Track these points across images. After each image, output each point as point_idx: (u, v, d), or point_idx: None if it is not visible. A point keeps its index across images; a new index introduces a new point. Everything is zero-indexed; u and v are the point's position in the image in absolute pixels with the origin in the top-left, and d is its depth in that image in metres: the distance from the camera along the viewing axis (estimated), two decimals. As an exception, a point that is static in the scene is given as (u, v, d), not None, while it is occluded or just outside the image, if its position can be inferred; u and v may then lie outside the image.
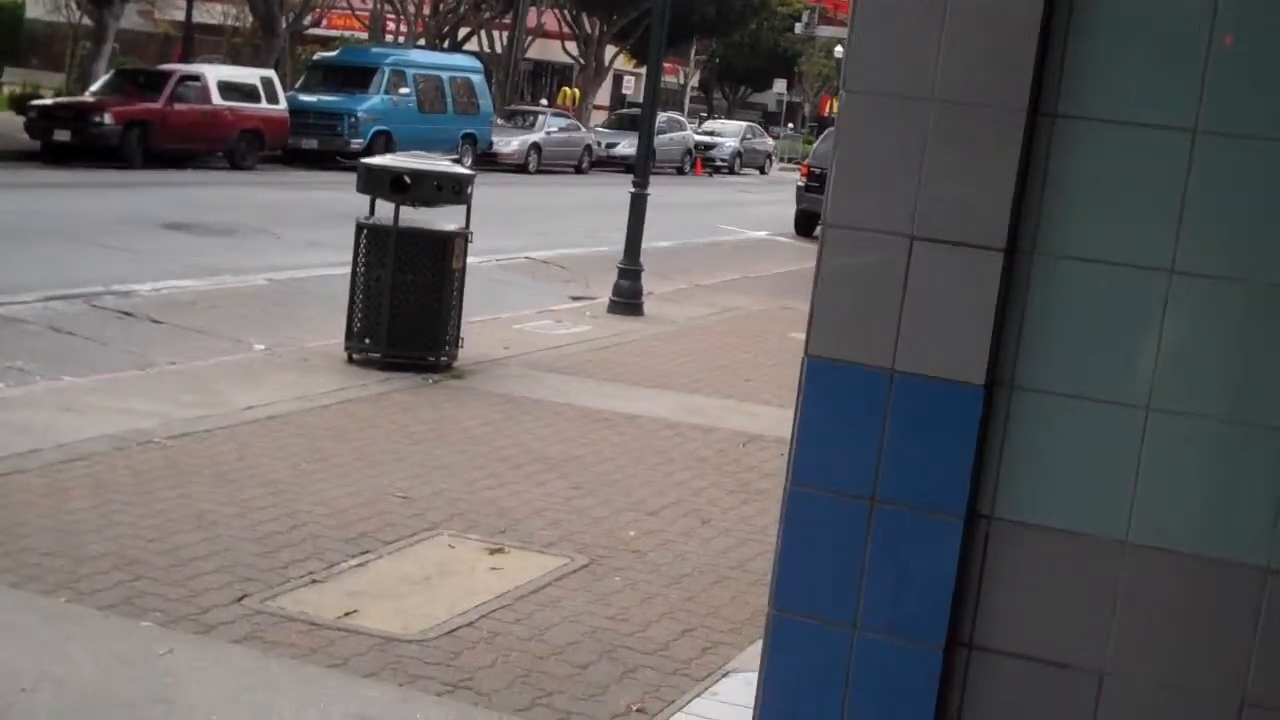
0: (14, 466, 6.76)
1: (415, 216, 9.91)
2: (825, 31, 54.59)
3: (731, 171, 45.82)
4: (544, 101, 52.30)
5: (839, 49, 43.96)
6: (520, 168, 34.94)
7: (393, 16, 48.97)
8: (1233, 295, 2.36)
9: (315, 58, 36.56)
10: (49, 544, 5.75)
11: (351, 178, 10.65)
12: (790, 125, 68.86)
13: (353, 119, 30.33)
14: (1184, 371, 2.40)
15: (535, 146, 36.00)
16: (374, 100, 31.26)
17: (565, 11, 49.60)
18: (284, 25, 37.03)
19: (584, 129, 40.46)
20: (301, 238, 16.99)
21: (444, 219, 10.18)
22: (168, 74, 27.40)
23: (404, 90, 32.21)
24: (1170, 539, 2.41)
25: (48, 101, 27.41)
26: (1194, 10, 2.35)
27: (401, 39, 46.61)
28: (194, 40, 36.86)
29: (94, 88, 27.89)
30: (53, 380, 8.95)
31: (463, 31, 47.22)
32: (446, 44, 44.77)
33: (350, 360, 9.80)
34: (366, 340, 9.76)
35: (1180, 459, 2.40)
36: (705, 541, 6.64)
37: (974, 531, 2.50)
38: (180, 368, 9.53)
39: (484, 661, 5.02)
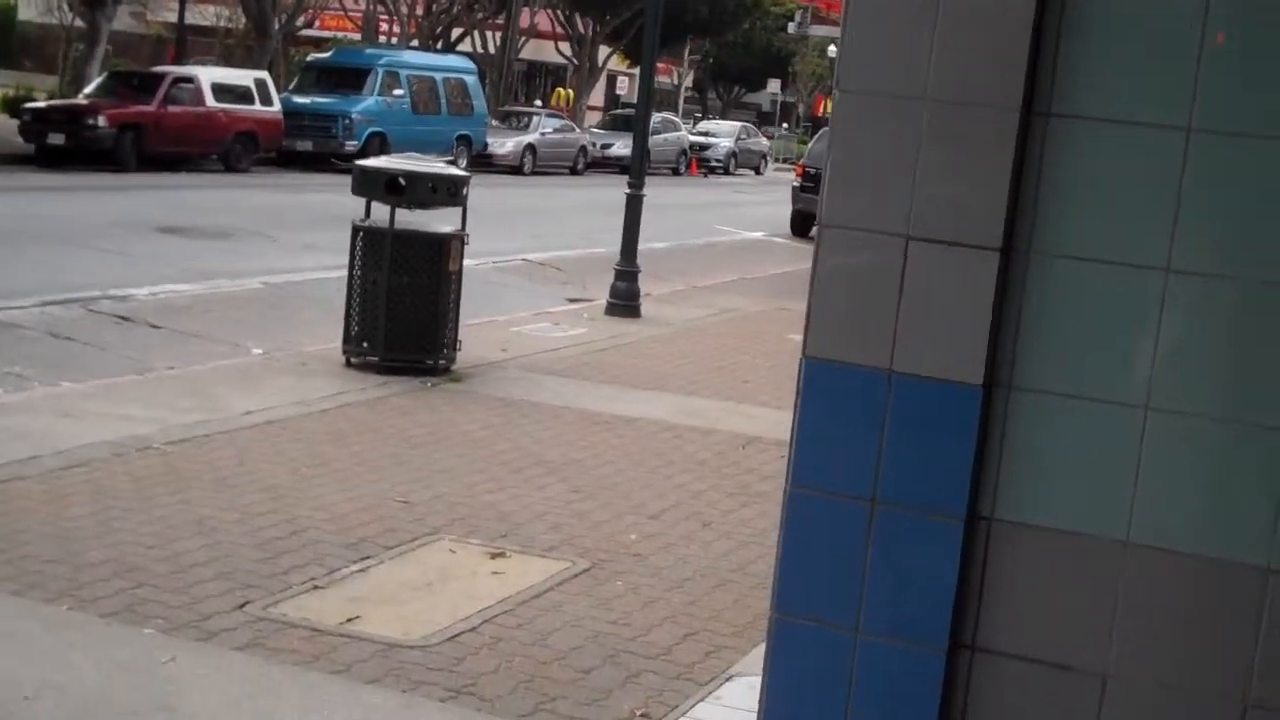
0: (13, 473, 6.75)
1: (411, 219, 9.90)
2: (819, 31, 54.60)
3: (727, 172, 45.82)
4: (538, 102, 52.32)
5: (832, 49, 44.00)
6: (515, 169, 34.93)
7: (386, 17, 48.92)
8: (1229, 293, 2.37)
9: (308, 59, 36.54)
10: (50, 551, 5.75)
11: (346, 180, 10.65)
12: (785, 125, 68.90)
13: (347, 121, 30.32)
14: (1182, 370, 2.40)
15: (530, 148, 35.99)
16: (368, 102, 31.24)
17: (558, 12, 49.58)
18: (277, 26, 36.99)
19: (579, 130, 40.46)
20: (297, 241, 16.99)
21: (440, 221, 10.18)
22: (161, 76, 27.36)
23: (398, 91, 32.21)
24: (1171, 539, 2.41)
25: (41, 104, 27.35)
26: (1186, 8, 2.35)
27: (395, 40, 46.58)
28: (187, 42, 36.84)
29: (87, 90, 27.85)
30: (51, 386, 8.95)
31: (456, 32, 47.18)
32: (440, 45, 44.73)
33: (348, 364, 9.80)
34: (364, 344, 9.76)
35: (1179, 458, 2.41)
36: (706, 544, 6.64)
37: (974, 533, 2.50)
38: (178, 372, 9.52)
39: (486, 667, 5.02)
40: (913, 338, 2.49)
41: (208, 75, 28.20)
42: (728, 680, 5.07)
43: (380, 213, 9.77)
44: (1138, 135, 2.40)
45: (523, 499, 7.09)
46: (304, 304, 12.96)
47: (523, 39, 48.76)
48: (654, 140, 35.67)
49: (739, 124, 51.32)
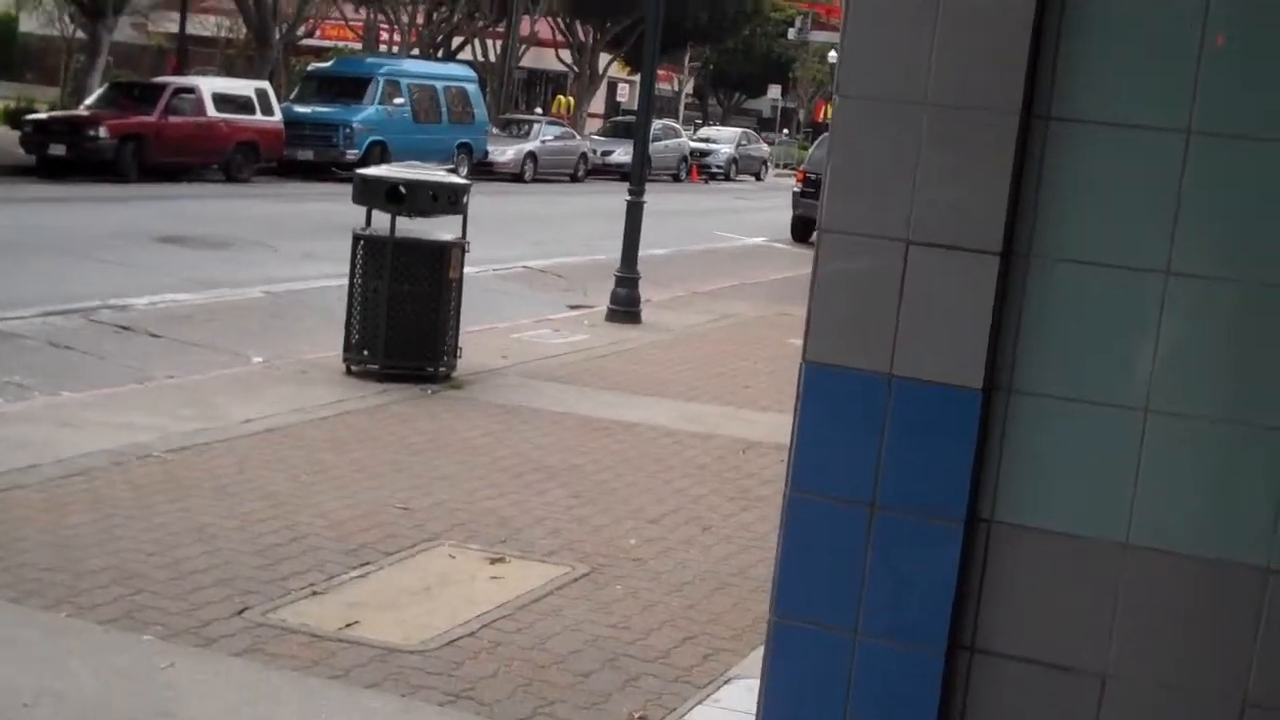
0: (13, 482, 6.76)
1: (411, 227, 9.91)
2: (819, 37, 54.71)
3: (727, 178, 45.84)
4: (539, 110, 52.34)
5: (833, 54, 44.02)
6: (516, 177, 34.96)
7: (386, 27, 48.98)
8: (1229, 296, 2.36)
9: (309, 69, 36.58)
10: (49, 559, 5.75)
11: (347, 189, 10.66)
12: (785, 131, 68.92)
13: (348, 130, 30.35)
14: (1181, 373, 2.40)
15: (531, 155, 36.02)
16: (369, 111, 31.26)
17: (559, 20, 49.63)
18: (278, 36, 37.04)
19: (579, 137, 40.49)
20: (298, 249, 16.99)
21: (440, 229, 10.18)
22: (162, 87, 27.36)
23: (398, 100, 32.24)
24: (1170, 540, 2.41)
25: (42, 116, 27.39)
26: (1186, 10, 2.35)
27: (395, 49, 46.63)
28: (188, 52, 36.86)
29: (88, 101, 27.88)
30: (51, 395, 8.95)
31: (456, 41, 47.27)
32: (440, 53, 44.81)
33: (348, 372, 9.80)
34: (364, 352, 9.76)
35: (1179, 460, 2.40)
36: (706, 549, 6.64)
37: (974, 535, 2.50)
38: (178, 381, 9.53)
39: (486, 671, 5.01)
40: (913, 342, 2.49)
41: (209, 85, 28.22)
42: (726, 683, 5.07)
43: (381, 221, 9.78)
44: (1137, 138, 2.40)
45: (522, 504, 7.09)
46: (305, 312, 12.97)
47: (523, 47, 48.78)
48: (655, 147, 35.75)
49: (739, 130, 51.34)
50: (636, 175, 14.17)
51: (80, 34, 37.17)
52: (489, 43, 47.91)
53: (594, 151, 39.53)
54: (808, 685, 2.58)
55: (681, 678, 5.10)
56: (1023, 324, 2.47)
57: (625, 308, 13.58)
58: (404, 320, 9.61)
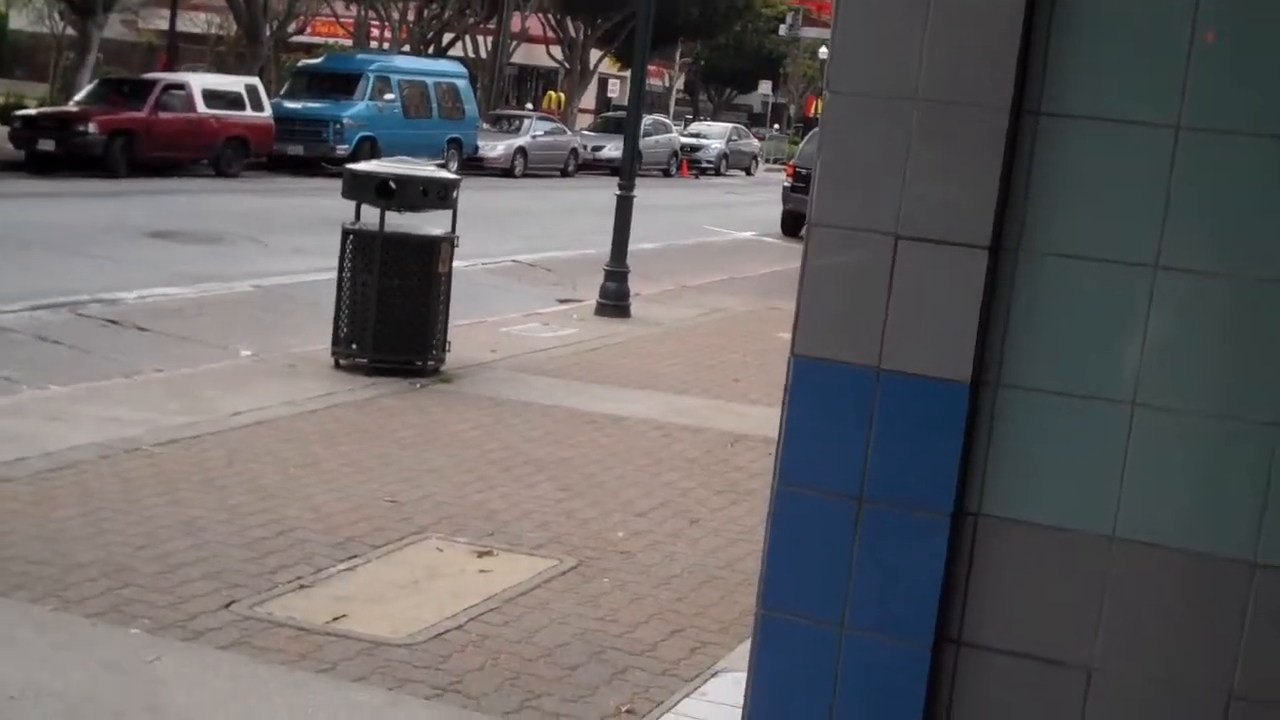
0: (1, 475, 6.74)
1: (401, 222, 9.90)
2: (809, 32, 54.76)
3: (718, 173, 45.83)
4: (529, 106, 52.28)
5: (823, 50, 44.01)
6: (506, 172, 34.93)
7: (377, 23, 48.93)
8: (1217, 290, 2.37)
9: (299, 65, 36.52)
10: (37, 552, 5.74)
11: (337, 184, 10.63)
12: (776, 126, 68.96)
13: (338, 125, 30.30)
14: (1170, 367, 2.40)
15: (521, 150, 35.99)
16: (359, 106, 31.22)
17: (549, 16, 49.60)
18: (268, 33, 36.99)
19: (569, 132, 40.45)
20: (287, 244, 16.97)
21: (430, 224, 10.17)
22: (152, 83, 27.31)
23: (389, 96, 32.20)
24: (1157, 534, 2.41)
25: (32, 112, 27.27)
26: (1176, 6, 2.36)
27: (386, 45, 46.57)
28: (178, 49, 36.79)
29: (78, 97, 27.82)
30: (39, 389, 8.93)
31: (447, 37, 47.21)
32: (431, 50, 44.75)
33: (337, 366, 9.79)
34: (353, 345, 9.75)
35: (1166, 454, 2.41)
36: (694, 542, 6.64)
37: (961, 529, 2.50)
38: (167, 375, 9.51)
39: (473, 664, 5.01)
40: (901, 336, 2.50)
41: (199, 81, 28.16)
42: (714, 676, 5.07)
43: (371, 216, 9.77)
44: (1127, 133, 2.40)
45: (511, 498, 7.09)
46: (294, 306, 12.96)
47: (514, 43, 48.75)
48: (645, 142, 35.63)
49: (730, 125, 51.32)
50: (627, 170, 14.17)
51: (70, 31, 37.07)
52: (480, 39, 47.88)
53: (584, 147, 39.51)
54: (795, 678, 2.59)
55: (669, 671, 5.10)
56: (1011, 318, 2.47)
57: (615, 302, 13.57)
58: (393, 314, 9.60)
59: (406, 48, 43.91)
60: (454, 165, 28.98)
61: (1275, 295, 2.33)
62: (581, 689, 4.88)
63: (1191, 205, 2.38)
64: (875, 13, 2.48)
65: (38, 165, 24.63)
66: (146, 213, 19.16)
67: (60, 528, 6.06)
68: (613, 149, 35.28)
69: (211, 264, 15.12)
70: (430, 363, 9.83)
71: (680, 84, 67.98)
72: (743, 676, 2.69)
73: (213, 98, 27.39)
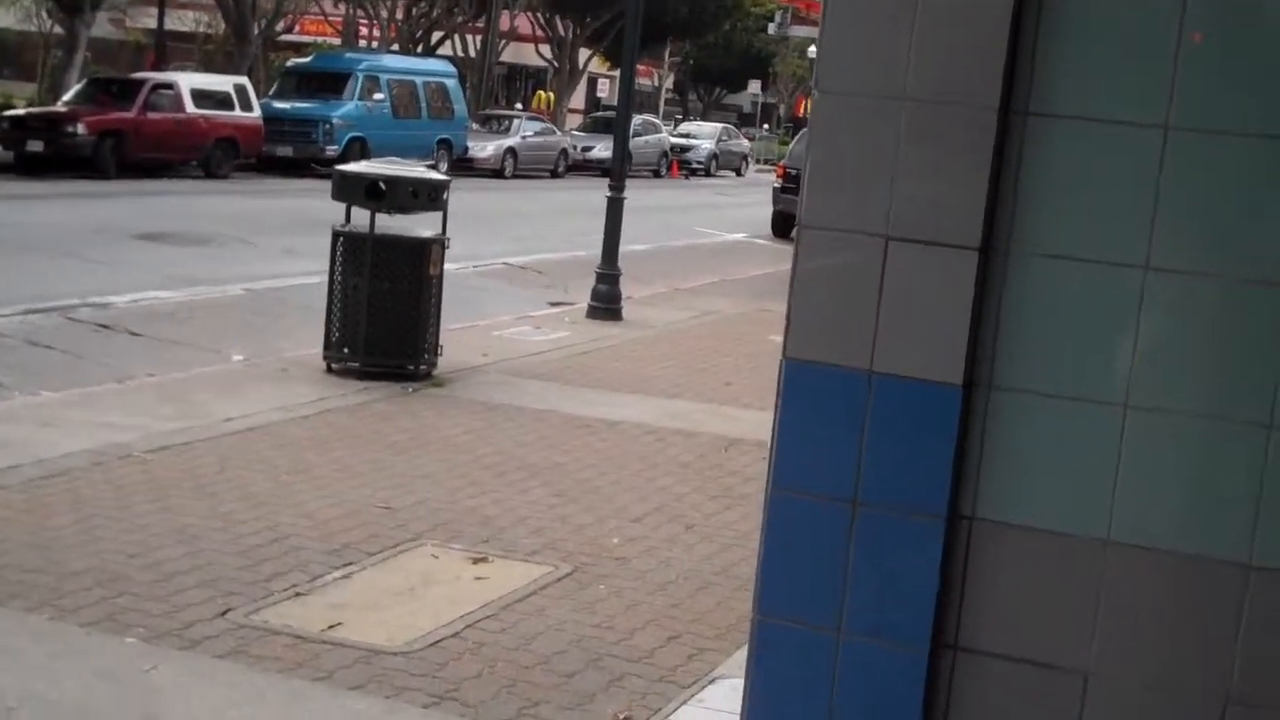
0: (-7, 483, 6.73)
1: (391, 223, 9.89)
2: (799, 31, 54.70)
3: (708, 173, 45.85)
4: (519, 105, 52.28)
5: (812, 49, 43.96)
6: (496, 172, 34.92)
7: (365, 22, 48.88)
8: (1207, 291, 2.37)
9: (288, 64, 36.49)
10: (30, 561, 5.73)
11: (327, 185, 10.63)
12: (766, 126, 68.98)
13: (327, 126, 30.29)
14: (1161, 368, 2.40)
15: (511, 151, 35.98)
16: (348, 106, 31.20)
17: (538, 15, 49.57)
18: (256, 32, 36.94)
19: (559, 133, 40.46)
20: (278, 246, 16.95)
21: (420, 225, 10.16)
22: (141, 82, 27.28)
23: (378, 96, 32.18)
24: (1152, 537, 2.41)
25: (20, 112, 27.25)
26: (1163, 6, 2.35)
27: (374, 44, 46.53)
28: (166, 48, 36.72)
29: (66, 97, 27.78)
30: (31, 395, 8.91)
31: (436, 36, 47.16)
32: (420, 49, 44.71)
33: (329, 370, 9.78)
34: (345, 349, 9.74)
35: (1160, 456, 2.41)
36: (689, 547, 6.63)
37: (956, 533, 2.50)
38: (159, 380, 9.49)
39: (470, 672, 5.00)
40: (893, 338, 2.49)
41: (187, 81, 28.13)
42: (711, 683, 5.06)
43: (361, 217, 9.75)
44: (1116, 134, 2.40)
45: (505, 503, 7.08)
46: (285, 310, 12.94)
47: (503, 42, 48.72)
48: (635, 142, 35.70)
49: (720, 125, 51.35)
50: (617, 171, 14.16)
51: (58, 29, 37.00)
52: (469, 38, 47.84)
53: (574, 147, 39.51)
54: (792, 684, 2.58)
55: (666, 678, 5.09)
56: (1002, 319, 2.47)
57: (606, 304, 13.57)
58: (384, 318, 9.59)
59: (395, 46, 43.89)
60: (444, 166, 28.97)
61: (1264, 296, 2.33)
62: (579, 696, 4.87)
63: (1180, 206, 2.38)
64: (863, 13, 2.48)
65: (27, 166, 24.61)
66: (136, 214, 19.13)
67: (54, 536, 6.05)
68: (603, 149, 35.28)
69: (202, 267, 15.10)
70: (422, 367, 9.82)
71: (670, 83, 67.99)
72: (740, 683, 2.69)
73: (201, 97, 27.37)
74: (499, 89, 54.67)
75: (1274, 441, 2.34)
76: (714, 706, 4.84)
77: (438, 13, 46.34)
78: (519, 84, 61.44)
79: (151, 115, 26.12)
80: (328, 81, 31.92)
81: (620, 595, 5.90)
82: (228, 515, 6.51)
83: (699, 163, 45.78)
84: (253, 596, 5.56)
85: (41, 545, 5.92)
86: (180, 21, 44.65)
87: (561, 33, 49.58)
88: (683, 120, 58.71)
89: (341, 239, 9.68)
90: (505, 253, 18.43)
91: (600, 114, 46.99)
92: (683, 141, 46.26)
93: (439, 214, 10.01)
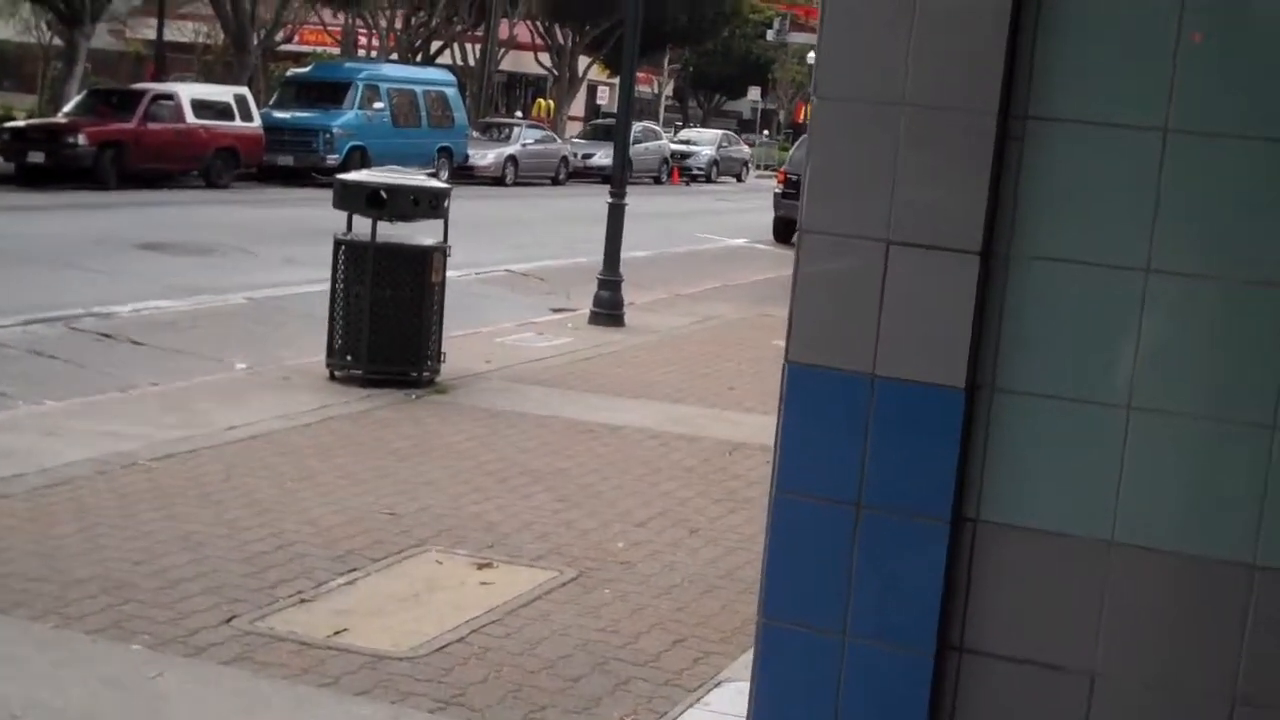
0: (-3, 493, 6.74)
1: (392, 232, 9.91)
2: (797, 38, 54.75)
3: (708, 180, 45.85)
4: (519, 113, 52.29)
5: (811, 55, 43.95)
6: (497, 180, 34.93)
7: (365, 31, 48.90)
8: (1208, 293, 2.38)
9: (288, 74, 36.48)
10: (35, 569, 5.74)
11: (328, 194, 10.64)
12: (766, 132, 68.93)
13: (327, 135, 30.29)
14: (1163, 370, 2.41)
15: (511, 159, 36.00)
16: (348, 116, 31.22)
17: (537, 23, 49.59)
18: (256, 42, 36.96)
19: (559, 140, 40.48)
20: (279, 255, 16.97)
21: (422, 233, 10.18)
22: (141, 93, 27.30)
23: (378, 105, 32.20)
24: (1155, 538, 2.42)
25: (20, 124, 27.25)
26: (1162, 8, 2.36)
27: (374, 54, 46.55)
28: (166, 59, 36.76)
29: (67, 109, 27.78)
30: (34, 404, 8.93)
31: (435, 45, 47.18)
32: (419, 58, 44.73)
33: (332, 377, 9.79)
34: (348, 357, 9.75)
35: (1163, 457, 2.41)
36: (693, 551, 6.64)
37: (960, 535, 2.51)
38: (162, 389, 9.51)
39: (475, 677, 5.01)
40: (895, 342, 2.50)
41: (187, 92, 28.15)
42: (716, 686, 5.07)
43: (362, 226, 9.77)
44: (1115, 136, 2.40)
45: (509, 509, 7.09)
46: (287, 318, 12.95)
47: (502, 50, 48.74)
48: (635, 149, 35.74)
49: (720, 132, 51.35)
50: (617, 178, 14.17)
51: (57, 41, 37.00)
52: (468, 46, 47.86)
53: (575, 154, 39.52)
54: (797, 687, 2.59)
55: (671, 681, 5.10)
56: (1004, 322, 2.48)
57: (608, 310, 13.58)
58: (387, 325, 9.60)
59: (394, 56, 43.91)
60: (444, 174, 29.02)
61: (1265, 297, 2.34)
62: (585, 700, 4.88)
63: (1180, 208, 2.38)
64: (861, 19, 2.49)
65: (28, 178, 24.62)
66: (137, 225, 19.15)
67: (58, 544, 6.06)
68: (603, 156, 35.29)
69: (204, 276, 15.11)
70: (425, 374, 9.83)
71: (669, 91, 68.00)
72: (745, 686, 2.70)
73: (201, 108, 27.38)
74: (499, 97, 54.71)
75: (1276, 442, 2.35)
76: (719, 710, 4.85)
77: (437, 22, 46.35)
78: (519, 92, 61.46)
79: (152, 126, 26.13)
80: (328, 91, 31.93)
81: (625, 599, 5.91)
82: (232, 522, 6.53)
83: (699, 169, 45.79)
84: (258, 603, 5.57)
85: (46, 554, 5.93)
86: (180, 32, 44.68)
87: (561, 41, 49.60)
88: (683, 127, 58.70)
89: (344, 247, 9.70)
90: (507, 260, 18.45)
91: (600, 121, 46.99)
92: (683, 148, 46.27)
93: (440, 222, 10.03)
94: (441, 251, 9.86)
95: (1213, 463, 2.39)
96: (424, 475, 7.59)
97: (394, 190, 9.71)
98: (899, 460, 2.51)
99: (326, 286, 9.95)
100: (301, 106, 31.43)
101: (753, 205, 32.43)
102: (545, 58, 50.94)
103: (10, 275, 14.07)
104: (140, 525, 6.39)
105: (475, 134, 36.68)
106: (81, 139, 24.78)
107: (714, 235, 25.69)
